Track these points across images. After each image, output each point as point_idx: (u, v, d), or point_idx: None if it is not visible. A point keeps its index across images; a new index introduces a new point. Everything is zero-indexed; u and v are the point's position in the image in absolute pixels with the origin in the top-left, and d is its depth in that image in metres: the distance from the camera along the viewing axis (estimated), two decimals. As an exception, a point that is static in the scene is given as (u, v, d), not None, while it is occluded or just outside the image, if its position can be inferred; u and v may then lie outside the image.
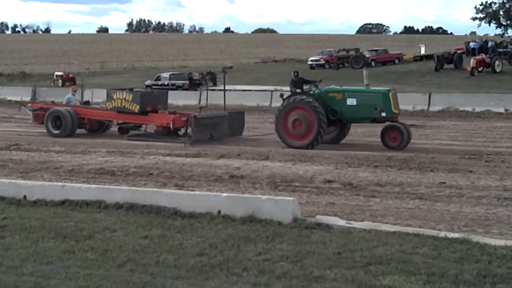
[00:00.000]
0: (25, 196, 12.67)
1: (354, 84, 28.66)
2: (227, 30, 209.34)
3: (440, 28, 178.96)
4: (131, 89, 27.16)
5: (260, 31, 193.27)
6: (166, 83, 49.60)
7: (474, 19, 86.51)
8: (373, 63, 62.14)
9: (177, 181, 16.20)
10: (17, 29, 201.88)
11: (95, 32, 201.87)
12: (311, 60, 65.37)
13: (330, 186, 15.44)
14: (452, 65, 54.55)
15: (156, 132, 24.67)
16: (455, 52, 58.18)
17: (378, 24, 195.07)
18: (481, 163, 18.35)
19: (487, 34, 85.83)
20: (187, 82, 50.23)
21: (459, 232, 10.78)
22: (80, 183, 15.09)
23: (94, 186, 13.60)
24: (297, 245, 9.57)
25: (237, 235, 10.08)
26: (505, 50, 57.90)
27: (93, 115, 26.41)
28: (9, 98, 45.31)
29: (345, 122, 22.75)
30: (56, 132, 25.48)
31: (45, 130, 26.33)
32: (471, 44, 64.36)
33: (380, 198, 14.18)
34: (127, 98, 24.69)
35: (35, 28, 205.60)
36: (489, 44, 62.87)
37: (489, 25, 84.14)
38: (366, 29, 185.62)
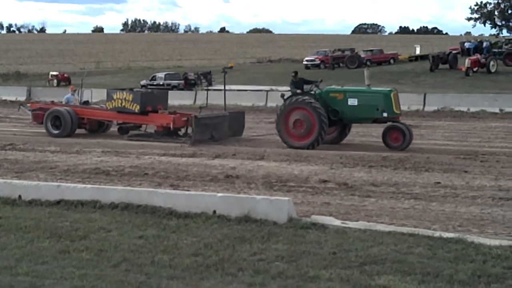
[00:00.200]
0: (20, 196, 12.65)
1: (350, 84, 28.69)
2: (223, 30, 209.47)
3: (435, 28, 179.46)
4: (131, 89, 27.13)
5: (255, 31, 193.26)
6: (161, 83, 49.61)
7: (469, 19, 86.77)
8: (368, 63, 62.20)
9: (172, 181, 16.19)
10: (12, 28, 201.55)
11: (90, 32, 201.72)
12: (306, 60, 65.40)
13: (325, 186, 15.45)
14: (447, 65, 54.64)
15: (156, 132, 24.60)
16: (450, 52, 58.28)
17: (373, 24, 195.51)
18: (476, 163, 18.39)
19: (482, 34, 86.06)
20: (182, 82, 50.23)
21: (454, 232, 10.80)
22: (75, 183, 15.08)
23: (89, 186, 13.59)
24: (292, 245, 9.58)
25: (232, 235, 10.09)
26: (500, 50, 57.97)
27: (93, 115, 26.34)
28: (4, 98, 45.29)
29: (346, 123, 22.70)
30: (56, 132, 25.41)
31: (41, 130, 26.30)
32: (466, 45, 64.46)
33: (375, 198, 14.19)
34: (127, 98, 24.63)
35: (30, 27, 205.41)
36: (484, 44, 62.99)
37: (484, 25, 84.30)
38: (361, 29, 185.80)
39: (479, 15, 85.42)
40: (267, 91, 41.03)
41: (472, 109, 33.25)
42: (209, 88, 48.06)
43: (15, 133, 26.99)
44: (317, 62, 63.97)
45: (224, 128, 24.00)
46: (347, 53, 65.91)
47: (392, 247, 9.41)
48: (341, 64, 62.73)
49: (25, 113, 28.96)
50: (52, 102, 29.10)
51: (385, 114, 21.65)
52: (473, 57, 52.76)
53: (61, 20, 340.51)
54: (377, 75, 50.33)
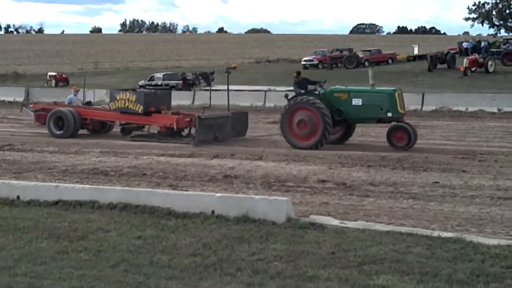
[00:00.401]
0: (18, 197, 12.64)
1: (351, 83, 28.68)
2: (221, 30, 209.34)
3: (433, 28, 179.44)
4: (134, 90, 27.07)
5: (253, 31, 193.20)
6: (159, 83, 49.54)
7: (467, 19, 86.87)
8: (366, 63, 62.22)
9: (171, 181, 16.19)
10: (10, 29, 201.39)
11: (88, 32, 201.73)
12: (305, 60, 65.38)
13: (323, 186, 15.46)
14: (445, 65, 54.66)
15: (159, 132, 24.51)
16: (448, 52, 58.31)
17: (371, 24, 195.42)
18: (474, 163, 18.41)
19: (480, 34, 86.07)
20: (180, 82, 50.19)
21: (453, 232, 10.82)
22: (73, 183, 15.07)
23: (87, 186, 13.60)
24: (291, 245, 9.58)
25: (231, 235, 10.09)
26: (498, 50, 58.01)
27: (96, 116, 26.25)
28: (2, 99, 45.23)
29: (351, 123, 22.62)
30: (59, 132, 25.31)
31: (39, 130, 26.28)
32: (464, 44, 64.48)
33: (374, 197, 14.20)
34: (130, 99, 24.56)
35: (28, 28, 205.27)
36: (482, 44, 63.00)
37: (482, 25, 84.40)
38: (359, 29, 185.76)
39: (477, 15, 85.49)
40: (265, 91, 41.01)
41: (470, 109, 33.27)
42: (212, 88, 48.22)
43: (13, 133, 26.96)
44: (315, 62, 63.95)
45: (227, 128, 23.93)
46: (345, 53, 65.91)
47: (390, 246, 9.41)
48: (339, 64, 62.74)
49: (28, 114, 28.86)
50: (55, 103, 29.06)
51: (389, 114, 21.55)
52: (471, 57, 52.77)
53: (59, 20, 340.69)
54: (375, 75, 50.34)
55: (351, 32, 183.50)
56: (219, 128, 23.61)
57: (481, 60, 51.34)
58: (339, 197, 14.27)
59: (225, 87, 27.91)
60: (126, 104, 24.58)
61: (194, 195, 12.41)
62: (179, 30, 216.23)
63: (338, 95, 22.06)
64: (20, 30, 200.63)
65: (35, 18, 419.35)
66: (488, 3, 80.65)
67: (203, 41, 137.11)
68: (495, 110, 32.83)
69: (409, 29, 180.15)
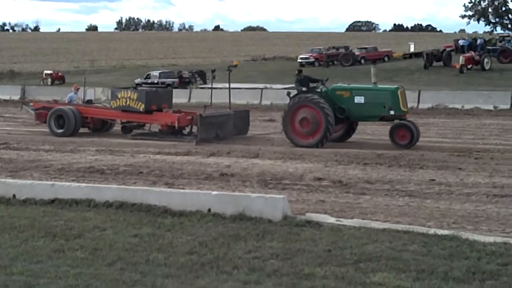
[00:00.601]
0: (14, 195, 12.63)
1: (345, 81, 28.67)
2: (217, 28, 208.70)
3: (429, 25, 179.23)
4: (135, 88, 26.99)
5: (249, 29, 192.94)
6: (156, 82, 49.54)
7: (463, 16, 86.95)
8: (362, 61, 62.26)
9: (167, 180, 16.19)
10: (6, 27, 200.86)
11: (84, 30, 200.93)
12: (301, 58, 65.41)
13: (320, 184, 15.47)
14: (441, 63, 54.70)
15: (161, 131, 24.46)
16: (444, 50, 58.33)
17: (367, 22, 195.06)
18: (470, 160, 18.44)
19: (476, 32, 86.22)
20: (176, 80, 50.18)
21: (449, 229, 10.84)
22: (69, 181, 15.05)
23: (83, 184, 13.59)
24: (287, 242, 9.58)
25: (227, 233, 10.09)
26: (494, 47, 58.09)
27: (97, 114, 26.18)
28: (-2, 97, 45.14)
29: (353, 121, 22.56)
30: (59, 131, 25.25)
31: (35, 129, 26.24)
32: (460, 42, 64.51)
33: (370, 195, 14.22)
34: (132, 97, 24.50)
35: (24, 26, 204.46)
36: (478, 41, 63.07)
37: (478, 22, 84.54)
38: (355, 27, 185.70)
39: (473, 13, 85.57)
40: (262, 89, 41.02)
41: (466, 106, 33.32)
42: (204, 86, 48.17)
43: (9, 132, 26.93)
44: (312, 60, 63.98)
45: (229, 126, 23.85)
46: (342, 50, 65.89)
47: (387, 244, 9.42)
48: (335, 62, 62.75)
49: (28, 113, 28.74)
50: (55, 101, 28.98)
51: (392, 112, 21.48)
52: (467, 55, 52.83)
53: (55, 18, 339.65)
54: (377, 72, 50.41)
55: (347, 29, 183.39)
56: (220, 126, 23.54)
57: (477, 57, 51.41)
58: (335, 195, 14.28)
59: (223, 85, 27.87)
60: (128, 103, 24.51)
61: (191, 193, 12.40)
62: (175, 28, 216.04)
63: (340, 93, 21.99)
64: (16, 28, 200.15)
65: (31, 16, 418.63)
66: (484, 1, 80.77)
67: (199, 39, 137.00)
68: (491, 107, 32.90)
69: (405, 26, 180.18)
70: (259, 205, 11.09)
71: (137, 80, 51.30)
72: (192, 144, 22.20)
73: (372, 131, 24.67)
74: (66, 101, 27.71)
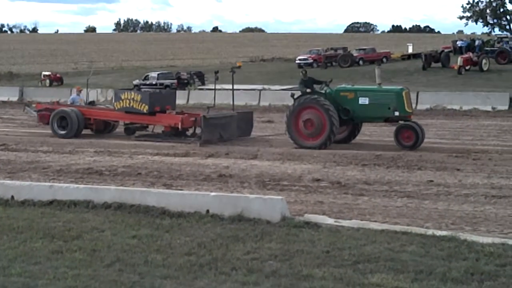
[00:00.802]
0: (12, 197, 12.63)
1: (343, 82, 28.65)
2: (215, 29, 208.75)
3: (428, 27, 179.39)
4: (139, 89, 26.90)
5: (248, 30, 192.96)
6: (154, 83, 49.50)
7: (461, 17, 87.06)
8: (361, 62, 62.26)
9: (166, 181, 16.19)
10: (4, 28, 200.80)
11: (82, 31, 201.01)
12: (299, 59, 65.34)
13: (318, 185, 15.48)
14: (439, 64, 54.66)
15: (164, 132, 24.42)
16: (443, 51, 58.33)
17: (365, 23, 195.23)
18: (468, 161, 18.45)
19: (474, 33, 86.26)
20: (175, 81, 50.16)
21: (447, 230, 10.85)
22: (68, 183, 15.05)
23: (82, 186, 13.58)
24: (285, 243, 9.59)
25: (225, 234, 10.09)
26: (492, 48, 58.09)
27: (100, 116, 26.10)
28: (-4, 98, 45.08)
29: (357, 122, 22.50)
30: (62, 133, 25.18)
31: (33, 130, 26.21)
32: (458, 43, 64.55)
33: (368, 196, 14.23)
34: (135, 98, 24.45)
35: (22, 28, 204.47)
36: (476, 42, 63.10)
37: (476, 23, 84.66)
38: (354, 28, 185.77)
39: (471, 14, 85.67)
40: (260, 90, 41.01)
41: (465, 107, 33.35)
42: (202, 87, 48.12)
43: (7, 133, 26.90)
44: (310, 61, 63.90)
45: (232, 128, 23.79)
46: (340, 52, 65.87)
47: (385, 245, 9.43)
48: (333, 63, 62.73)
49: (31, 114, 28.66)
50: (58, 103, 28.96)
51: (396, 113, 21.41)
52: (465, 56, 52.82)
53: (53, 20, 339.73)
54: (370, 73, 50.38)
55: (345, 31, 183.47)
56: (224, 127, 23.48)
57: (475, 58, 51.38)
58: (333, 196, 14.29)
59: (222, 86, 27.85)
60: (131, 104, 24.46)
61: (189, 195, 12.40)
62: (174, 29, 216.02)
63: (344, 94, 21.92)
64: (14, 30, 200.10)
65: (29, 18, 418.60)
66: (482, 2, 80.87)
67: (198, 40, 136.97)
68: (489, 108, 32.92)
69: (403, 27, 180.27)
70: (257, 206, 11.10)
71: (135, 81, 51.27)
72: (196, 145, 22.15)
73: (370, 132, 24.68)
74: (69, 103, 27.65)
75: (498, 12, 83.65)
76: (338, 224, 10.93)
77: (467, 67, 50.28)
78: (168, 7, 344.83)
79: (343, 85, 23.43)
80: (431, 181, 15.72)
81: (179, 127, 23.80)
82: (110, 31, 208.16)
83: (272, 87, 44.19)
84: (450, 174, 16.62)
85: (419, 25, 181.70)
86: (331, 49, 68.85)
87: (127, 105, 24.57)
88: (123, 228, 10.54)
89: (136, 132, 25.08)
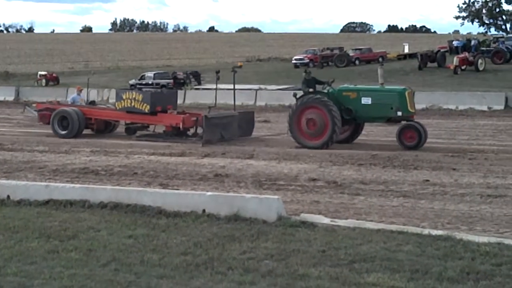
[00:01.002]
0: (8, 196, 12.61)
1: (340, 82, 28.66)
2: (212, 29, 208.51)
3: (424, 27, 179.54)
4: (140, 89, 26.83)
5: (244, 30, 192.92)
6: (150, 82, 49.51)
7: (457, 17, 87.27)
8: (357, 62, 62.32)
9: (162, 180, 16.19)
10: (0, 28, 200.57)
11: (78, 31, 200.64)
12: (296, 59, 65.41)
13: (314, 185, 15.48)
14: (435, 64, 54.77)
15: (165, 132, 24.37)
16: (439, 51, 58.42)
17: (362, 23, 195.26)
18: (464, 161, 18.48)
19: (470, 33, 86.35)
20: (171, 81, 50.16)
21: (443, 230, 10.86)
22: (64, 182, 15.04)
23: (78, 185, 13.57)
24: (281, 243, 9.59)
25: (221, 233, 10.09)
26: (488, 48, 58.21)
27: (101, 115, 26.03)
28: (-8, 98, 45.04)
29: (360, 122, 22.47)
30: (63, 132, 25.13)
31: (29, 130, 26.16)
32: (454, 43, 64.65)
33: (364, 196, 14.24)
34: (137, 98, 24.39)
35: (18, 27, 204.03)
36: (472, 42, 63.21)
37: (472, 23, 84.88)
38: (350, 28, 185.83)
39: (467, 14, 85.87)
40: (256, 90, 41.02)
41: (461, 107, 33.42)
42: (199, 87, 48.12)
43: (3, 133, 26.87)
44: (306, 61, 63.94)
45: (233, 128, 23.75)
46: (336, 52, 65.95)
47: (381, 244, 9.43)
48: (330, 63, 62.79)
49: (31, 114, 28.57)
50: (58, 102, 28.89)
51: (399, 113, 21.37)
52: (461, 56, 52.92)
53: (49, 19, 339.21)
54: (366, 73, 50.48)
55: (341, 30, 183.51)
56: (225, 127, 23.44)
57: (471, 58, 51.48)
58: (330, 196, 14.30)
59: (220, 86, 27.75)
60: (133, 104, 24.41)
61: (185, 194, 12.40)
62: (170, 29, 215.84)
63: (347, 94, 21.89)
64: (10, 29, 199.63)
65: (26, 17, 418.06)
66: (478, 2, 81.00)
67: (194, 40, 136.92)
68: (485, 108, 32.99)
69: (399, 27, 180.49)
70: (253, 206, 11.10)
71: (132, 81, 51.27)
72: (198, 145, 22.11)
73: (367, 132, 24.68)
74: (69, 103, 27.59)
75: (494, 12, 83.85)
76: (334, 224, 10.93)
77: (463, 67, 50.37)
78: (164, 7, 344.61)
79: (345, 85, 23.41)
80: (427, 180, 15.74)
81: (181, 127, 23.76)
82: (106, 30, 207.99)
83: (269, 87, 44.20)
84: (446, 173, 16.64)
85: (415, 25, 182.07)
86: (327, 49, 68.92)
87: (129, 105, 24.52)
88: (119, 227, 10.54)
89: (137, 132, 25.03)
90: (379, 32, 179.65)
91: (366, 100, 21.56)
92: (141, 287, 7.88)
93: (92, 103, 28.95)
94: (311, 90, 22.15)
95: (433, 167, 17.50)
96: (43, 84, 54.92)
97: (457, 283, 7.91)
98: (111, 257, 8.95)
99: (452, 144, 22.01)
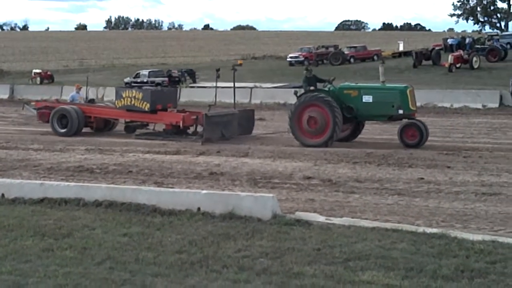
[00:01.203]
0: (3, 194, 12.60)
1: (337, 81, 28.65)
2: (206, 27, 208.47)
3: (419, 24, 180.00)
4: (140, 87, 26.70)
5: (239, 28, 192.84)
6: (145, 80, 49.40)
7: (451, 15, 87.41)
8: (352, 60, 62.35)
9: (157, 179, 16.17)
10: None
11: (73, 29, 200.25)
12: (290, 57, 65.40)
13: (309, 183, 15.49)
14: (430, 62, 54.82)
15: (165, 130, 24.25)
16: (433, 49, 58.47)
17: (356, 21, 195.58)
18: (459, 159, 18.50)
19: (464, 31, 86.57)
20: (166, 79, 50.10)
21: (438, 227, 10.88)
22: (59, 181, 15.01)
23: (73, 184, 13.55)
24: (276, 241, 9.60)
25: (216, 232, 10.09)
26: (482, 46, 58.27)
27: (101, 114, 25.89)
28: (-14, 96, 44.86)
29: (361, 120, 22.36)
30: (63, 131, 25.01)
31: (24, 128, 26.08)
32: (449, 41, 64.74)
33: (359, 194, 14.24)
34: (137, 97, 24.24)
35: (13, 25, 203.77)
36: (467, 40, 63.28)
37: (467, 21, 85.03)
38: (345, 26, 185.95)
39: (462, 12, 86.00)
40: (251, 88, 40.98)
41: (455, 105, 33.42)
42: (193, 85, 48.07)
43: (-3, 131, 26.78)
44: (301, 58, 63.94)
45: (234, 126, 23.63)
46: (331, 49, 65.99)
47: (376, 242, 9.45)
48: (325, 61, 62.80)
49: (30, 112, 28.46)
50: (57, 101, 28.80)
51: (400, 111, 21.26)
52: (456, 53, 52.95)
53: (44, 17, 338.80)
54: (361, 71, 50.54)
55: (336, 28, 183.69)
56: (225, 125, 23.34)
57: (465, 56, 51.52)
58: (324, 194, 14.31)
59: (209, 84, 27.72)
60: (133, 102, 24.27)
61: (180, 192, 12.39)
62: (165, 27, 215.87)
63: (348, 92, 21.74)
64: (4, 27, 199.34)
65: (20, 15, 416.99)
66: (472, 0, 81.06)
67: (189, 38, 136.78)
68: (479, 106, 33.00)
69: (394, 25, 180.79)
70: (248, 204, 11.10)
71: (127, 79, 51.16)
72: (198, 143, 22.06)
73: (363, 131, 24.64)
74: (68, 101, 27.50)
75: (488, 10, 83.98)
76: (329, 222, 10.94)
77: (457, 65, 50.41)
78: (159, 5, 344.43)
79: (346, 83, 23.33)
80: (422, 178, 15.75)
81: (181, 125, 23.70)
82: (101, 28, 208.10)
83: (264, 85, 44.15)
84: (440, 171, 16.66)
85: (410, 23, 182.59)
86: (322, 47, 68.94)
87: (129, 103, 24.38)
88: (114, 226, 10.53)
89: (136, 130, 24.96)
90: (374, 30, 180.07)
91: (367, 98, 21.43)
92: (136, 285, 7.88)
93: (91, 101, 28.81)
94: (312, 88, 22.09)
95: (428, 165, 17.52)
96: (38, 82, 54.75)
97: (451, 281, 7.93)
98: (106, 255, 8.95)
99: (447, 142, 22.02)
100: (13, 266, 8.49)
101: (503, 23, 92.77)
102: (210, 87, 31.65)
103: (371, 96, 21.48)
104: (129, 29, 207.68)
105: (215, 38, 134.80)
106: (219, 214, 11.02)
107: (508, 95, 33.71)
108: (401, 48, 70.10)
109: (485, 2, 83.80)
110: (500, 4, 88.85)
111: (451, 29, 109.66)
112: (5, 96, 44.29)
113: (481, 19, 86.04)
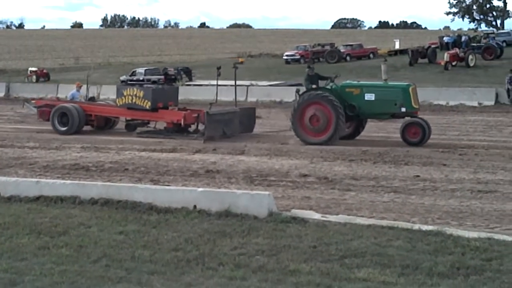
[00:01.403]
0: (-1, 193, 12.57)
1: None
2: (203, 25, 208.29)
3: (415, 23, 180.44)
4: (141, 85, 26.61)
5: (235, 26, 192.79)
6: (141, 79, 49.30)
7: (447, 13, 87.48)
8: (348, 58, 62.38)
9: (153, 176, 16.17)
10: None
11: (69, 27, 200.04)
12: (287, 55, 65.40)
13: (305, 180, 15.50)
14: (426, 60, 54.88)
15: (166, 128, 24.18)
16: (429, 47, 58.54)
17: (353, 19, 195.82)
18: (455, 156, 18.53)
19: (460, 29, 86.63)
20: (162, 77, 50.03)
21: (433, 225, 10.90)
22: (54, 179, 15.02)
23: (68, 181, 13.53)
24: (272, 239, 9.61)
25: (212, 229, 10.10)
26: (478, 44, 58.35)
27: (102, 112, 25.74)
28: (-18, 94, 44.78)
29: (363, 118, 22.31)
30: (63, 129, 24.91)
31: (20, 126, 26.02)
32: (445, 39, 64.82)
33: (355, 191, 14.26)
34: (138, 95, 24.16)
35: (8, 23, 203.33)
36: (463, 38, 63.37)
37: (463, 19, 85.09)
38: (341, 24, 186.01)
39: (457, 10, 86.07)
40: (247, 86, 40.97)
41: (451, 103, 33.47)
42: (190, 83, 48.04)
43: (-7, 129, 26.74)
44: (297, 57, 63.96)
45: (235, 124, 23.59)
46: (327, 48, 66.01)
47: (372, 240, 9.46)
48: (321, 59, 62.80)
49: (30, 110, 28.39)
50: (57, 99, 28.72)
51: (403, 109, 21.22)
52: (451, 51, 53.05)
53: (40, 16, 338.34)
54: (357, 69, 50.55)
55: (332, 27, 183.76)
56: (227, 123, 23.29)
57: (461, 54, 51.60)
58: (320, 191, 14.32)
59: (209, 81, 27.69)
60: (134, 100, 24.16)
61: (176, 190, 12.39)
62: (161, 25, 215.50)
63: (350, 90, 21.69)
64: (0, 26, 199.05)
65: (16, 13, 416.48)
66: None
67: (185, 36, 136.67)
68: (475, 104, 33.06)
69: (390, 23, 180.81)
70: (244, 202, 11.11)
71: (123, 77, 51.08)
72: (200, 142, 22.04)
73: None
74: (68, 99, 27.43)
75: (484, 8, 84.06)
76: (325, 219, 10.96)
77: (453, 63, 50.51)
78: (155, 3, 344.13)
79: (348, 81, 23.32)
80: (418, 176, 15.78)
81: (182, 123, 23.65)
82: (97, 26, 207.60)
83: (260, 83, 44.13)
84: (436, 169, 16.68)
85: (406, 21, 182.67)
86: (318, 45, 68.96)
87: (130, 101, 24.26)
88: (110, 224, 10.53)
89: (137, 129, 24.90)
90: (370, 28, 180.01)
91: (370, 96, 21.39)
92: (132, 283, 7.88)
93: (92, 99, 28.73)
94: (314, 86, 22.06)
95: (424, 163, 17.54)
96: (34, 80, 54.69)
97: (447, 278, 7.94)
98: (102, 253, 8.95)
99: (443, 140, 22.04)
100: (9, 264, 8.48)
101: (499, 21, 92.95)
102: (206, 85, 31.60)
103: (373, 94, 21.45)
104: (125, 27, 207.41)
105: (211, 36, 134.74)
106: (215, 211, 11.03)
107: (503, 93, 33.80)
108: (397, 46, 70.11)
109: (481, 0, 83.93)
110: (496, 2, 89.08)
111: (447, 27, 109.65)
112: (1, 94, 44.22)
113: (477, 17, 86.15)
